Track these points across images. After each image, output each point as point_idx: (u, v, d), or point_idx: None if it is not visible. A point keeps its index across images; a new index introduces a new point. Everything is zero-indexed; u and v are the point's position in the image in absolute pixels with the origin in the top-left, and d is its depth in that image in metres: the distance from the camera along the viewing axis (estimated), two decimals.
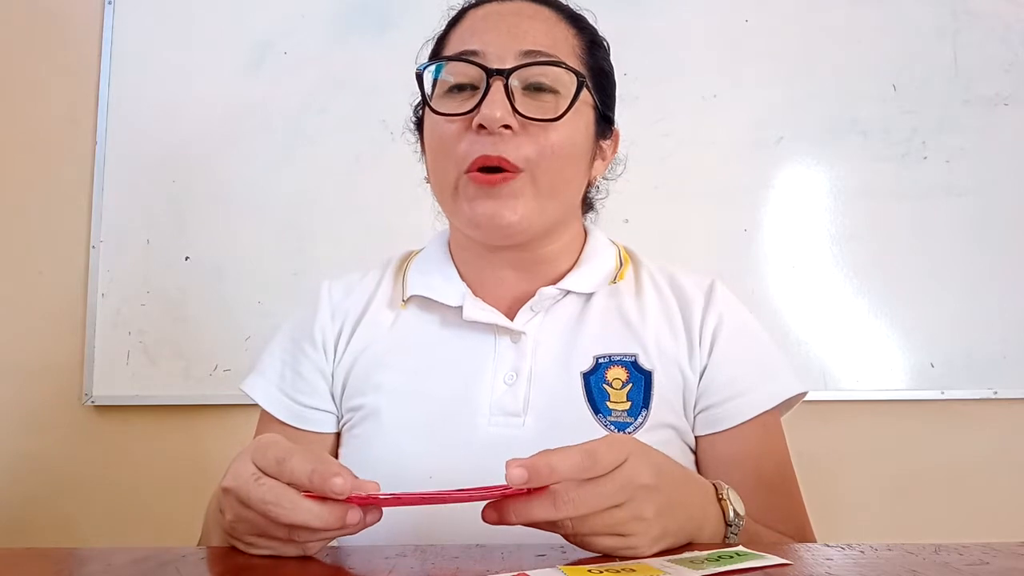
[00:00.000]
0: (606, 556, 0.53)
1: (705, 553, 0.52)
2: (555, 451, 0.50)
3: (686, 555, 0.52)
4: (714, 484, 0.63)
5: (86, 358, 1.58)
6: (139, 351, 1.58)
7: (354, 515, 0.52)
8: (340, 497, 0.50)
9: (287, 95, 1.64)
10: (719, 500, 0.62)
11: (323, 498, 0.52)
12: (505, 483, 0.49)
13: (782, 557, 0.51)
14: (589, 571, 0.47)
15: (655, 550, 0.54)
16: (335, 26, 1.66)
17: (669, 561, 0.50)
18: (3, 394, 1.59)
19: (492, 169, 0.73)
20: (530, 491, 0.50)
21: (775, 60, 1.64)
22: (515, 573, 0.48)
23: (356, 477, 0.52)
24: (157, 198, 1.62)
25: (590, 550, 0.53)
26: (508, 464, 0.48)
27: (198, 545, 0.67)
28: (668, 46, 1.64)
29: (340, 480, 0.50)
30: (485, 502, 0.54)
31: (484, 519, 0.52)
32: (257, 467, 0.54)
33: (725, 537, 0.61)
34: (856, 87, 1.63)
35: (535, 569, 0.49)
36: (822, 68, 1.64)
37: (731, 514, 0.61)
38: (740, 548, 0.53)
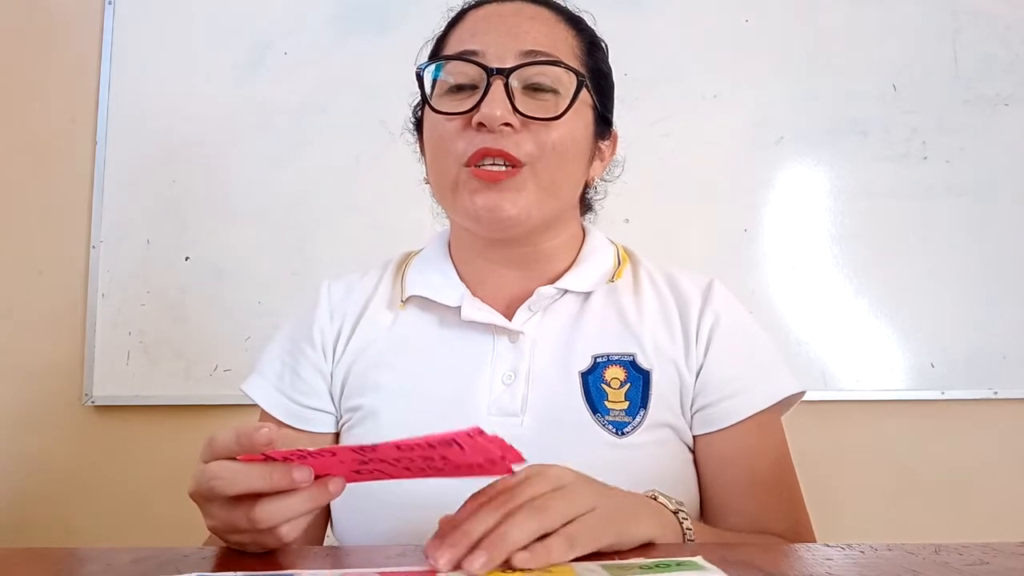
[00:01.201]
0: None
1: (640, 561, 0.50)
2: (461, 515, 0.51)
3: (616, 562, 0.50)
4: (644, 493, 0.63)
5: (86, 358, 1.58)
6: (139, 351, 1.58)
7: (301, 473, 0.52)
8: (266, 446, 0.51)
9: (287, 95, 1.64)
10: (653, 499, 0.62)
11: (265, 465, 0.52)
12: (438, 434, 0.47)
13: (778, 557, 0.51)
14: (503, 572, 0.47)
15: (614, 530, 0.53)
16: (335, 26, 1.66)
17: (599, 566, 0.49)
18: (3, 394, 1.59)
19: (494, 164, 0.73)
20: (468, 449, 0.49)
21: (775, 60, 1.64)
22: (425, 569, 0.48)
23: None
24: (157, 198, 1.62)
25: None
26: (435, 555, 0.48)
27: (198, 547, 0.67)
28: (668, 46, 1.64)
29: (264, 431, 0.51)
30: (442, 476, 0.53)
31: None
32: (203, 462, 0.55)
33: (682, 527, 0.61)
34: (856, 87, 1.63)
35: (455, 573, 0.48)
36: (822, 68, 1.64)
37: (672, 504, 0.61)
38: (687, 559, 0.50)
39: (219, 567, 0.52)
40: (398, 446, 0.49)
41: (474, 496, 0.53)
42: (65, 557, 0.57)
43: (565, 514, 0.51)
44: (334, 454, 0.51)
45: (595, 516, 0.53)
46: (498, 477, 0.53)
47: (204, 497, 0.54)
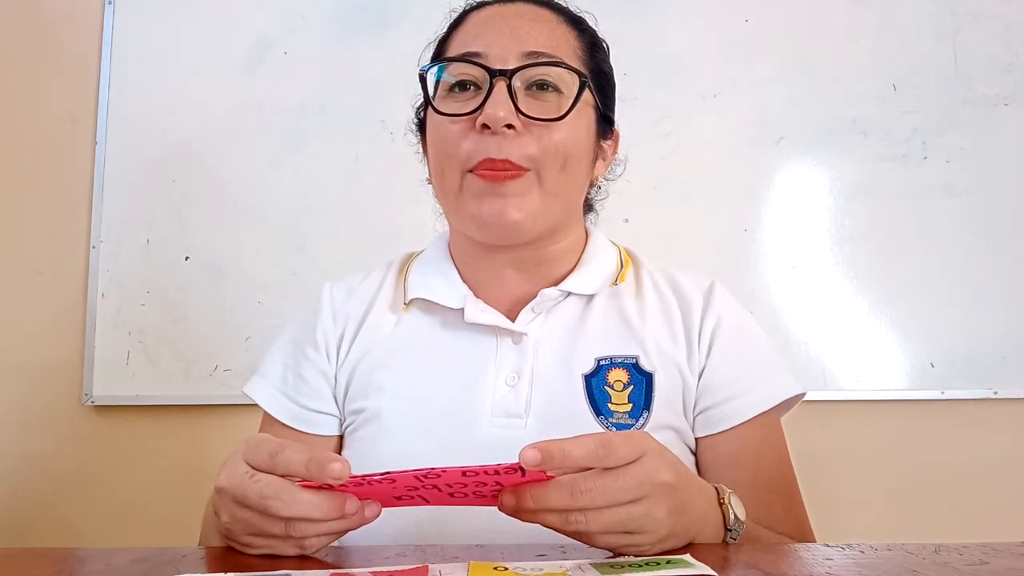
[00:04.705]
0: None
1: (630, 560, 0.51)
2: (570, 438, 0.51)
3: (608, 561, 0.51)
4: (716, 488, 0.63)
5: (86, 358, 1.58)
6: (139, 351, 1.58)
7: (352, 504, 0.52)
8: (338, 482, 0.51)
9: (287, 95, 1.64)
10: (720, 504, 0.62)
11: (320, 490, 0.52)
12: (506, 463, 0.48)
13: (779, 559, 0.51)
14: (495, 568, 0.47)
15: (658, 549, 0.54)
16: (335, 26, 1.66)
17: (591, 564, 0.49)
18: (3, 394, 1.59)
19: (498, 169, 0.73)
20: (530, 477, 0.50)
21: (775, 60, 1.64)
22: (417, 566, 0.48)
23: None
24: (157, 198, 1.62)
25: (593, 546, 0.53)
26: (523, 448, 0.48)
27: (198, 547, 0.67)
28: (668, 46, 1.64)
29: (338, 465, 0.50)
30: (484, 504, 0.54)
31: (501, 506, 0.52)
32: (250, 465, 0.54)
33: (724, 540, 0.61)
34: (856, 87, 1.63)
35: (446, 563, 0.48)
36: (822, 68, 1.64)
37: (731, 518, 0.61)
38: (676, 557, 0.51)
39: (217, 567, 0.52)
40: (464, 472, 0.49)
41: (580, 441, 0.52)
42: (65, 557, 0.57)
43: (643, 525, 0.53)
44: (393, 481, 0.51)
45: (669, 526, 0.54)
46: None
47: (243, 503, 0.53)
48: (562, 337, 0.79)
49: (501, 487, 0.51)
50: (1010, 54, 1.64)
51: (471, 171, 0.74)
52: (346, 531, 0.55)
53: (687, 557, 0.50)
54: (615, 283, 0.82)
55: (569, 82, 0.75)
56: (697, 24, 1.65)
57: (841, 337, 1.58)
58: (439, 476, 0.50)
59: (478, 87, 0.75)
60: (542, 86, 0.74)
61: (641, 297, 0.82)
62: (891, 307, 1.58)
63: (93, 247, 1.61)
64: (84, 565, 0.55)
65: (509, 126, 0.72)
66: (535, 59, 0.74)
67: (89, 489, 1.57)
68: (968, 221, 1.60)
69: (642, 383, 0.76)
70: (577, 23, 0.82)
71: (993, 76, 1.63)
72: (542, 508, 0.51)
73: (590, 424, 0.73)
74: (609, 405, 0.75)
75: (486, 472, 0.49)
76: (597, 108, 0.80)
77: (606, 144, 0.84)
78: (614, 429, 0.73)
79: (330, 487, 0.52)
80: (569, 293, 0.80)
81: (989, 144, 1.62)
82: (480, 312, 0.79)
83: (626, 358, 0.77)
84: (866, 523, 1.55)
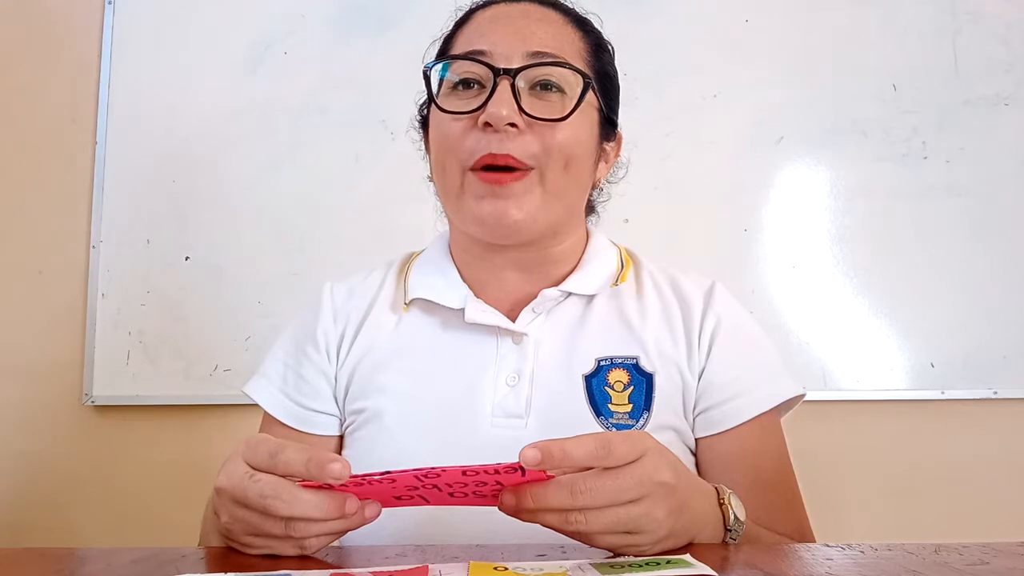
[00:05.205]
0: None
1: (631, 560, 0.51)
2: (570, 438, 0.51)
3: (608, 561, 0.51)
4: (716, 488, 0.63)
5: (86, 358, 1.58)
6: (139, 351, 1.58)
7: (352, 503, 0.52)
8: (338, 483, 0.51)
9: (287, 95, 1.64)
10: (720, 504, 0.62)
11: (320, 490, 0.52)
12: (506, 462, 0.49)
13: (778, 560, 0.51)
14: (495, 568, 0.48)
15: (657, 549, 0.54)
16: (335, 26, 1.66)
17: (591, 564, 0.49)
18: (3, 394, 1.59)
19: (500, 169, 0.73)
20: (530, 477, 0.50)
21: (775, 60, 1.64)
22: (417, 566, 0.48)
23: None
24: (157, 198, 1.62)
25: (593, 546, 0.53)
26: (523, 448, 0.48)
27: (198, 547, 0.67)
28: (668, 46, 1.64)
29: (338, 465, 0.50)
30: (484, 504, 0.54)
31: (501, 506, 0.52)
32: (250, 465, 0.54)
33: (724, 541, 0.61)
34: (856, 87, 1.63)
35: (446, 563, 0.49)
36: (822, 68, 1.64)
37: (731, 519, 0.61)
38: (676, 557, 0.51)
39: (217, 567, 0.52)
40: (464, 471, 0.49)
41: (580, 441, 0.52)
42: (65, 557, 0.57)
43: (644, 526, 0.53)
44: (393, 480, 0.51)
45: (668, 527, 0.54)
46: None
47: (242, 503, 0.53)
48: (562, 337, 0.79)
49: (501, 487, 0.51)
50: (1010, 54, 1.64)
51: (472, 170, 0.74)
52: (346, 531, 0.55)
53: (687, 557, 0.50)
54: (616, 284, 0.82)
55: (573, 83, 0.75)
56: (697, 24, 1.65)
57: (841, 337, 1.58)
58: (439, 476, 0.50)
59: (482, 85, 0.75)
60: (546, 86, 0.74)
61: (642, 298, 0.82)
62: (891, 307, 1.58)
63: (93, 247, 1.61)
64: (84, 565, 0.55)
65: (512, 125, 0.72)
66: (539, 59, 0.74)
67: (89, 489, 1.57)
68: (968, 221, 1.60)
69: (642, 384, 0.76)
70: (582, 24, 0.82)
71: (993, 76, 1.63)
72: (542, 508, 0.51)
73: (590, 424, 0.73)
74: (609, 406, 0.75)
75: (486, 472, 0.49)
76: (600, 110, 0.80)
77: (608, 146, 0.84)
78: (614, 429, 0.73)
79: (330, 487, 0.52)
80: (570, 293, 0.81)
81: (989, 144, 1.62)
82: (481, 312, 0.79)
83: (626, 359, 0.77)
84: (866, 523, 1.55)
